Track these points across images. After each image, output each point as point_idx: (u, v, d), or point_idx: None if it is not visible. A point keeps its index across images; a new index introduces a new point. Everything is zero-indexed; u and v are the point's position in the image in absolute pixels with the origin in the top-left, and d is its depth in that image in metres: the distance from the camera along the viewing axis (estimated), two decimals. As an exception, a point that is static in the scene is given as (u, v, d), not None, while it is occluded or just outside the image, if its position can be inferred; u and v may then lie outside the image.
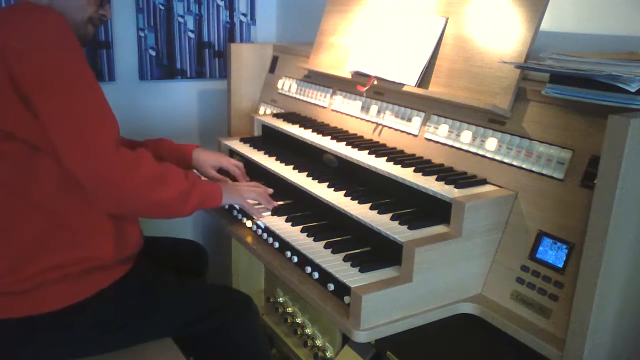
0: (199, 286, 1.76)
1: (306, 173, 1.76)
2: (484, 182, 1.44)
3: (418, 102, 1.70)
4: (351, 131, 1.92)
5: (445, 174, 1.48)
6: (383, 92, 1.83)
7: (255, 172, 1.89)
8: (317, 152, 1.85)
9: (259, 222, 1.67)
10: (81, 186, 1.39)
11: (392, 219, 1.44)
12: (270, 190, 1.75)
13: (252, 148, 2.07)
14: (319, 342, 2.17)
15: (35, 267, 1.40)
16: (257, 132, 2.24)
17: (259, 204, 1.71)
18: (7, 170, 1.39)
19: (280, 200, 1.75)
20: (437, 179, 1.46)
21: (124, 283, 1.52)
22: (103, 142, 1.33)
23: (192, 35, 2.71)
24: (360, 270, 1.34)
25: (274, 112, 2.33)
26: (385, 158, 1.63)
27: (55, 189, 1.41)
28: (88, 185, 1.36)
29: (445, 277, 1.33)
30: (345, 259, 1.40)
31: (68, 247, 1.43)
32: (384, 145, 1.77)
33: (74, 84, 1.34)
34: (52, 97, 1.31)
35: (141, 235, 1.62)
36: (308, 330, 2.24)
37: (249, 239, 1.69)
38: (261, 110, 2.46)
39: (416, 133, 1.69)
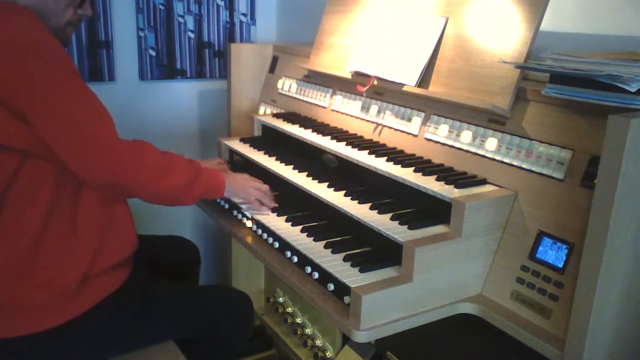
0: (196, 291, 1.75)
1: (306, 173, 1.76)
2: (484, 182, 1.44)
3: (418, 102, 1.70)
4: (351, 131, 1.91)
5: (445, 174, 1.48)
6: (383, 92, 1.83)
7: (256, 172, 1.89)
8: (317, 152, 1.85)
9: (258, 220, 1.66)
10: (72, 203, 1.40)
11: (392, 219, 1.44)
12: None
13: (252, 148, 2.07)
14: (319, 342, 2.17)
15: (26, 285, 1.38)
16: (257, 132, 2.24)
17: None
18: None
19: (279, 200, 1.75)
20: (437, 179, 1.46)
21: (118, 295, 1.49)
22: (106, 140, 1.34)
23: (192, 35, 2.71)
24: (360, 270, 1.34)
25: (274, 112, 2.33)
26: (385, 158, 1.63)
27: (45, 210, 1.39)
28: (97, 183, 1.38)
29: (445, 277, 1.33)
30: (345, 259, 1.40)
31: (58, 263, 1.41)
32: (384, 145, 1.76)
33: (63, 90, 1.32)
34: (47, 109, 1.29)
35: (135, 236, 1.58)
36: (308, 330, 2.23)
37: (249, 239, 1.69)
38: (261, 110, 2.46)
39: (416, 133, 1.69)
